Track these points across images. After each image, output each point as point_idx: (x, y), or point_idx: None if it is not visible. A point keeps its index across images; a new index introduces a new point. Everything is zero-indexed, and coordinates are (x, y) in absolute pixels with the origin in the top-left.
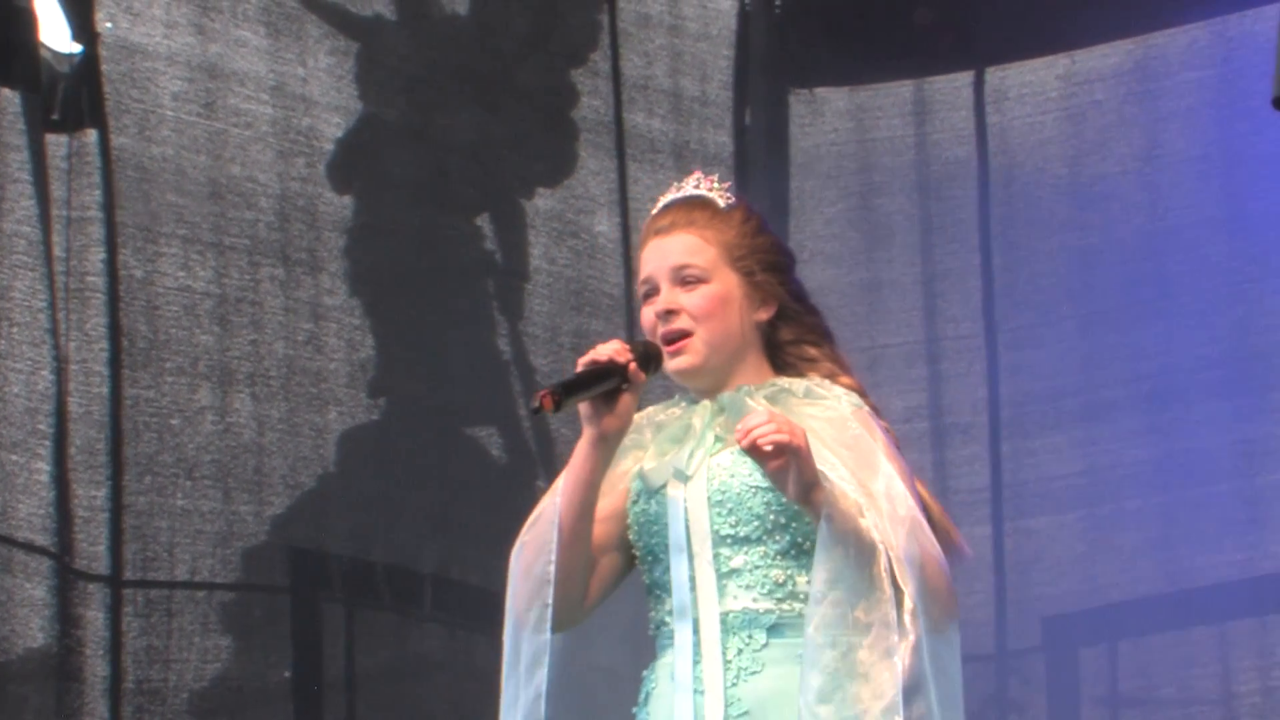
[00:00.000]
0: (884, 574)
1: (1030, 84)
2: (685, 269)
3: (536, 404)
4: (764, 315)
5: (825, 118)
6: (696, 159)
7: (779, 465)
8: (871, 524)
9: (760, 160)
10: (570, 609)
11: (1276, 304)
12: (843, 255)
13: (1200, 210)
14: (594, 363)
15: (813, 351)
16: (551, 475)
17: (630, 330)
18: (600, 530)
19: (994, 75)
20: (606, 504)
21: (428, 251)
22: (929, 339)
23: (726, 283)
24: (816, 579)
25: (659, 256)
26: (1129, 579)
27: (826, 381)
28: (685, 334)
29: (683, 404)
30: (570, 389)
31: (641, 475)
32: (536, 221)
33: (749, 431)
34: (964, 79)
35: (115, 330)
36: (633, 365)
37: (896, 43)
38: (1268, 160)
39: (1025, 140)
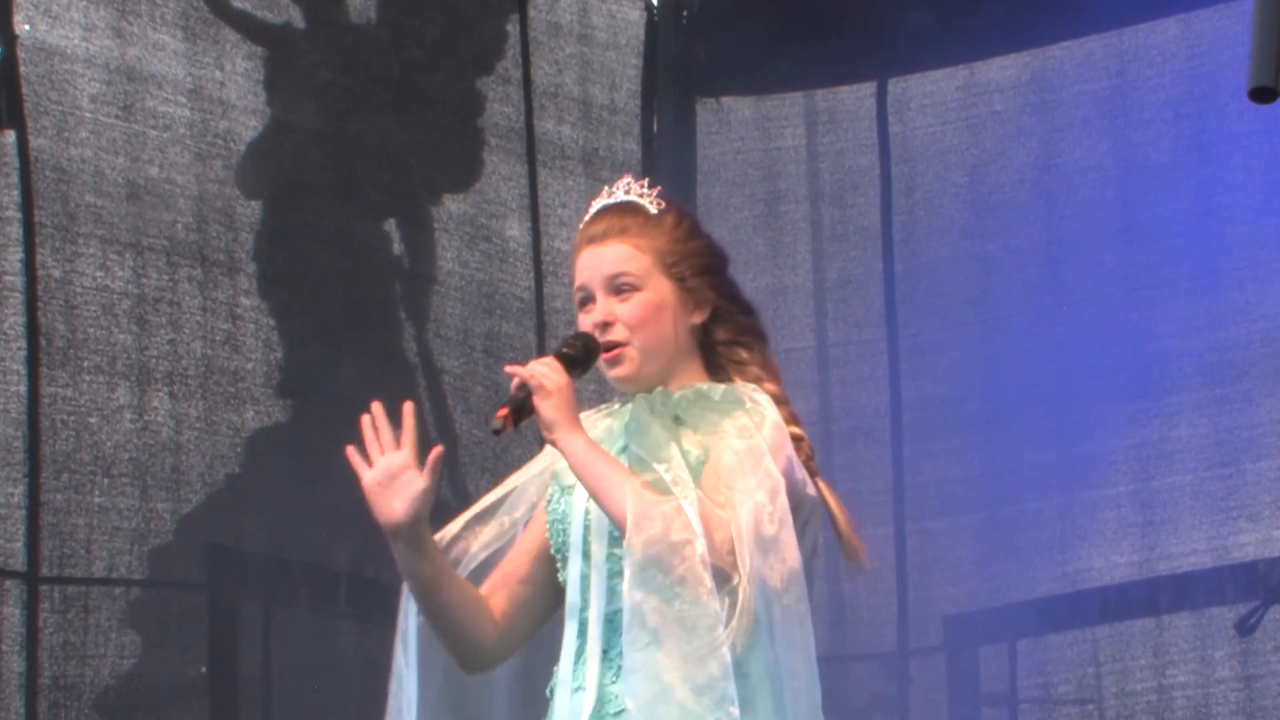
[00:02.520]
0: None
1: (931, 95)
2: (619, 278)
3: (499, 424)
4: (698, 319)
5: (731, 126)
6: (605, 166)
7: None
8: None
9: (667, 167)
10: (476, 655)
11: (1171, 310)
12: (748, 261)
13: (1096, 219)
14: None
15: (743, 354)
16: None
17: (540, 332)
18: (522, 567)
19: (896, 86)
20: (530, 541)
21: (336, 255)
22: (832, 344)
23: (659, 290)
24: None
25: (593, 265)
26: (1028, 579)
27: (751, 388)
28: (621, 344)
29: (616, 406)
30: (519, 407)
31: (556, 474)
32: (450, 225)
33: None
34: (866, 90)
35: (33, 329)
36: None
37: (801, 54)
38: (1161, 170)
39: (926, 149)
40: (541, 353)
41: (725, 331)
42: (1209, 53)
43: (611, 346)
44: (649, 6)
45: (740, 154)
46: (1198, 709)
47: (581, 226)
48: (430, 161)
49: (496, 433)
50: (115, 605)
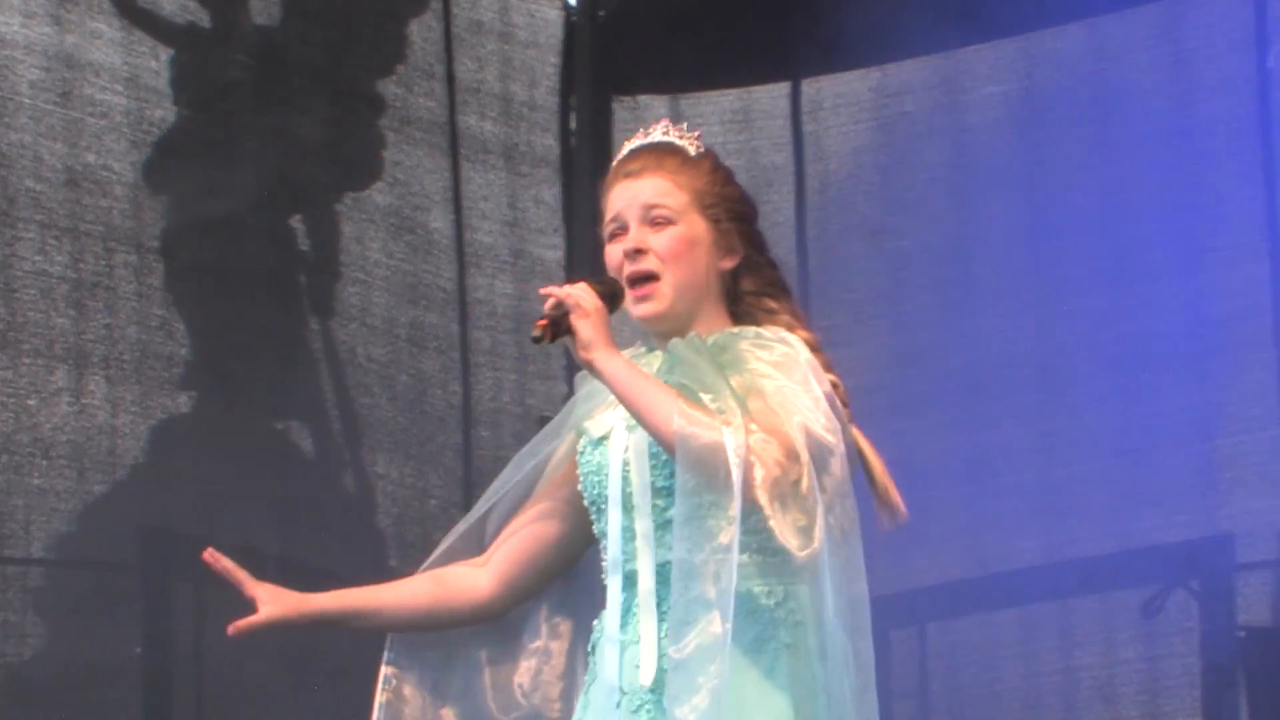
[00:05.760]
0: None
1: (844, 95)
2: (655, 209)
3: (539, 334)
4: (728, 264)
5: (647, 124)
6: (525, 160)
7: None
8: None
9: (585, 163)
10: (471, 622)
11: (1076, 305)
12: None
13: (1004, 217)
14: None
15: (772, 304)
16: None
17: (463, 323)
18: (536, 524)
19: (809, 87)
20: (550, 499)
21: (251, 247)
22: None
23: (695, 227)
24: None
25: (629, 196)
26: (937, 564)
27: (783, 331)
28: (652, 276)
29: (643, 349)
30: (556, 323)
31: (585, 428)
32: (375, 217)
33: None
34: (780, 90)
35: None
36: (571, 316)
37: (717, 53)
38: (1067, 170)
39: (839, 148)
40: (464, 344)
41: (754, 281)
42: (1115, 57)
43: (642, 279)
44: (566, 6)
45: None
46: (1103, 689)
47: (615, 164)
48: (333, 158)
49: (536, 341)
50: (53, 586)
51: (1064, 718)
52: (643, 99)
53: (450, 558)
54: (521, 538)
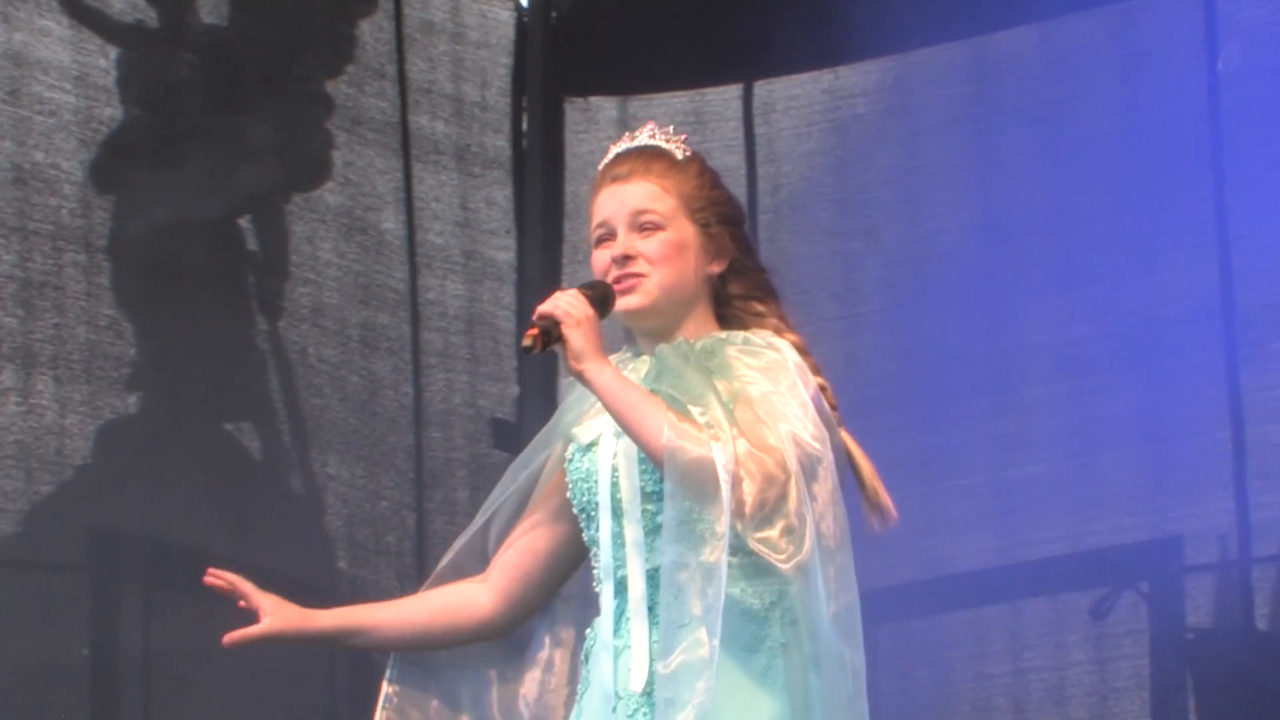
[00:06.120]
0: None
1: (796, 97)
2: (643, 214)
3: (530, 343)
4: (716, 268)
5: (599, 125)
6: (477, 161)
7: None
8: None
9: (537, 165)
10: (476, 639)
11: (1028, 307)
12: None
13: (956, 219)
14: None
15: (760, 307)
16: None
17: (414, 324)
18: (532, 539)
19: (761, 89)
20: (542, 511)
21: (194, 249)
22: None
23: (683, 232)
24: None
25: (616, 201)
26: (889, 566)
27: (771, 335)
28: (639, 276)
29: (628, 355)
30: (547, 332)
31: (573, 434)
32: (327, 217)
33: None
34: (733, 91)
35: None
36: (563, 326)
37: (669, 55)
38: (1020, 172)
39: (792, 150)
40: (416, 343)
41: (741, 285)
42: (1066, 58)
43: (629, 279)
44: (518, 7)
45: None
46: (1053, 691)
47: (602, 167)
48: (283, 158)
49: (527, 350)
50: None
51: (1014, 719)
52: (594, 100)
53: (456, 573)
54: (518, 552)
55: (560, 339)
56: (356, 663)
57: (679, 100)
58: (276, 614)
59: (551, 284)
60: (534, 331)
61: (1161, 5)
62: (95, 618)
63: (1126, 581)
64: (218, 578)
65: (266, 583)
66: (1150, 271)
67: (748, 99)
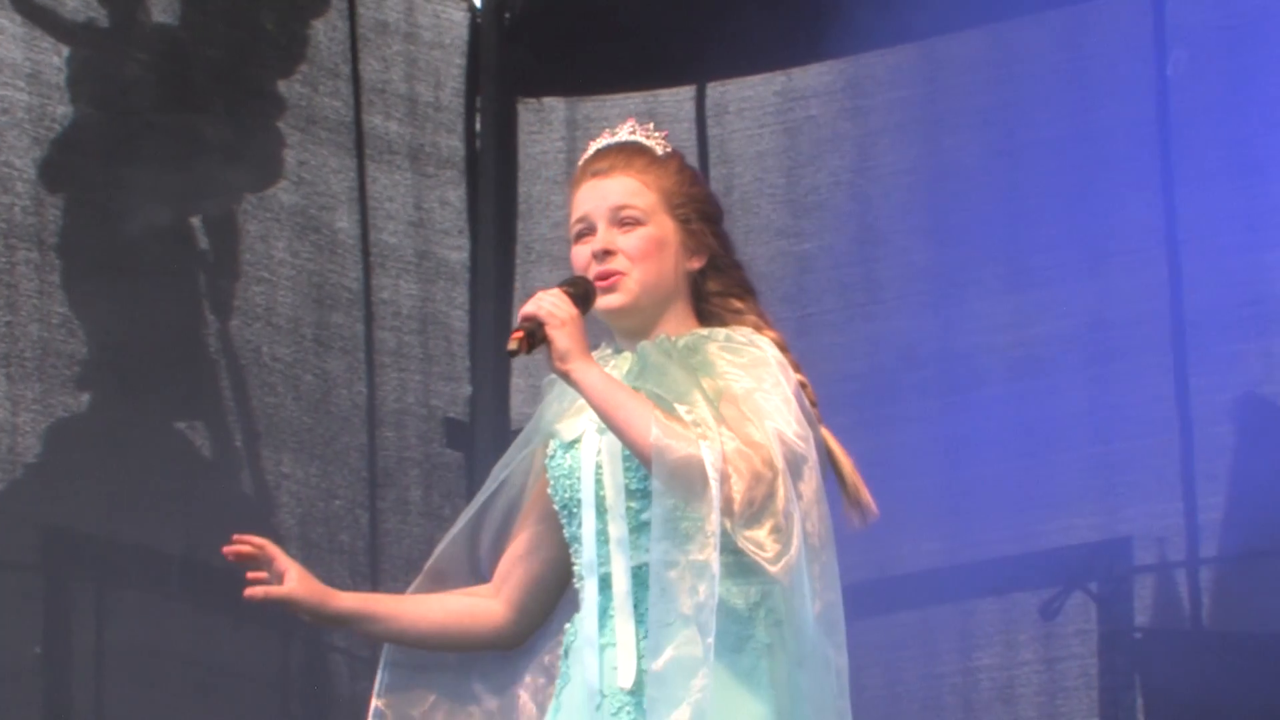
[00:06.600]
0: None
1: (749, 99)
2: (624, 209)
3: (515, 346)
4: (696, 264)
5: (553, 126)
6: (431, 161)
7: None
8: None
9: (490, 165)
10: (490, 647)
11: (978, 308)
12: (568, 258)
13: (908, 219)
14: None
15: (738, 304)
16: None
17: (368, 323)
18: (529, 546)
19: (714, 90)
20: (533, 515)
21: (146, 247)
22: None
23: (664, 228)
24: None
25: (597, 196)
26: (840, 566)
27: (751, 332)
28: (619, 273)
29: (608, 352)
30: (532, 334)
31: (555, 431)
32: (281, 217)
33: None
34: (686, 93)
35: None
36: (547, 327)
37: (622, 56)
38: (970, 174)
39: (744, 152)
40: (370, 342)
41: (720, 282)
42: (1016, 61)
43: (609, 276)
44: (472, 8)
45: (561, 153)
46: (1002, 690)
47: (582, 162)
48: (235, 158)
49: (512, 354)
50: None
51: (963, 718)
52: (548, 101)
53: (438, 578)
54: (524, 560)
55: (545, 340)
56: (309, 662)
57: (632, 101)
58: (302, 583)
59: (505, 284)
60: (519, 334)
61: (1110, 9)
62: (47, 616)
63: (1076, 581)
64: (245, 542)
65: (222, 583)
66: (1100, 274)
67: (700, 100)
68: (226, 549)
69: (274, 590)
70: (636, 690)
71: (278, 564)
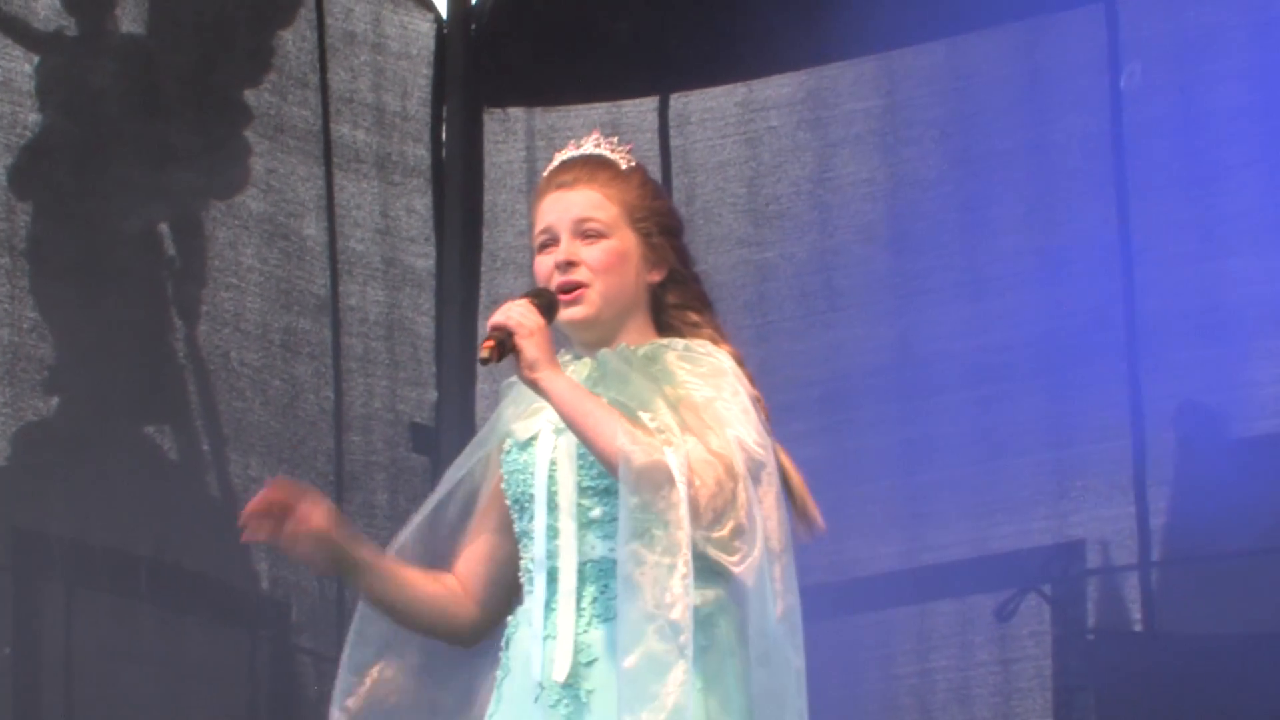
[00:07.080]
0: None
1: (711, 110)
2: (587, 222)
3: (486, 355)
4: (656, 277)
5: (518, 136)
6: (398, 170)
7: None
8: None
9: (456, 173)
10: (458, 639)
11: (937, 315)
12: (532, 266)
13: (867, 229)
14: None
15: (696, 317)
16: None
17: (335, 329)
18: (488, 543)
19: (677, 101)
20: (489, 514)
21: (115, 254)
22: None
23: (625, 241)
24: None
25: (561, 208)
26: (798, 569)
27: (709, 344)
28: (582, 285)
29: (567, 358)
30: (501, 343)
31: (511, 431)
32: (250, 224)
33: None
34: (649, 104)
35: None
36: (517, 337)
37: (587, 67)
38: (928, 184)
39: (706, 162)
40: (337, 348)
41: (678, 295)
42: (973, 74)
43: (573, 288)
44: (438, 19)
45: (526, 162)
46: (958, 691)
47: (546, 174)
48: (203, 166)
49: (484, 362)
50: None
51: (920, 719)
52: (513, 111)
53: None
54: (487, 561)
55: (514, 349)
56: (276, 663)
57: (596, 111)
58: (335, 525)
59: (470, 291)
60: (490, 344)
61: (1066, 23)
62: (17, 617)
63: (1030, 584)
64: (279, 486)
65: (191, 585)
66: (1055, 282)
67: (663, 111)
68: (270, 493)
69: (314, 524)
70: (573, 682)
71: (308, 495)
